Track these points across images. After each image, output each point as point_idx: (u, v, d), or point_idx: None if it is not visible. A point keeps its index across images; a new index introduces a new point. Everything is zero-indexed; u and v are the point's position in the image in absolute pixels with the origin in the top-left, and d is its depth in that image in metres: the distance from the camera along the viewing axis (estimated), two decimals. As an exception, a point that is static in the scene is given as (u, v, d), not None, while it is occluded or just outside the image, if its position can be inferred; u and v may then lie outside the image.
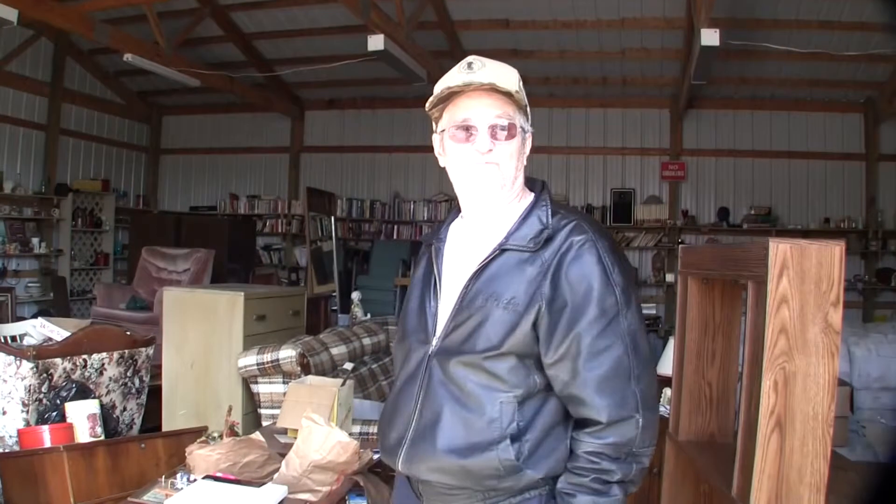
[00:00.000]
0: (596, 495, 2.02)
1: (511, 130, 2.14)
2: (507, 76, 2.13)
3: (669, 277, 12.72)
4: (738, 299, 3.26)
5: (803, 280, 2.28)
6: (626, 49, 11.82)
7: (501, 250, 2.13)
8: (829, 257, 2.28)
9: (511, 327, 2.05)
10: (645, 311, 12.17)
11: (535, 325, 2.05)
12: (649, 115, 13.54)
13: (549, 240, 2.09)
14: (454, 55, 10.96)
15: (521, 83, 2.17)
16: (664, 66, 12.29)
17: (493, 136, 2.13)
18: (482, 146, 2.12)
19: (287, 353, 5.37)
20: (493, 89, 2.10)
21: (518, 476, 2.05)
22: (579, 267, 2.04)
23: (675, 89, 12.74)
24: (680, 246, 3.64)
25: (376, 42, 9.28)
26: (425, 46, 10.68)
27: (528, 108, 2.20)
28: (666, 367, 4.96)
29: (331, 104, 15.17)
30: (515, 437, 2.05)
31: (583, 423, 2.07)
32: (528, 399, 2.08)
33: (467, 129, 2.14)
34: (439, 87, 2.17)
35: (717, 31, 8.11)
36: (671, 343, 4.28)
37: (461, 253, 2.26)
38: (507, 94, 2.11)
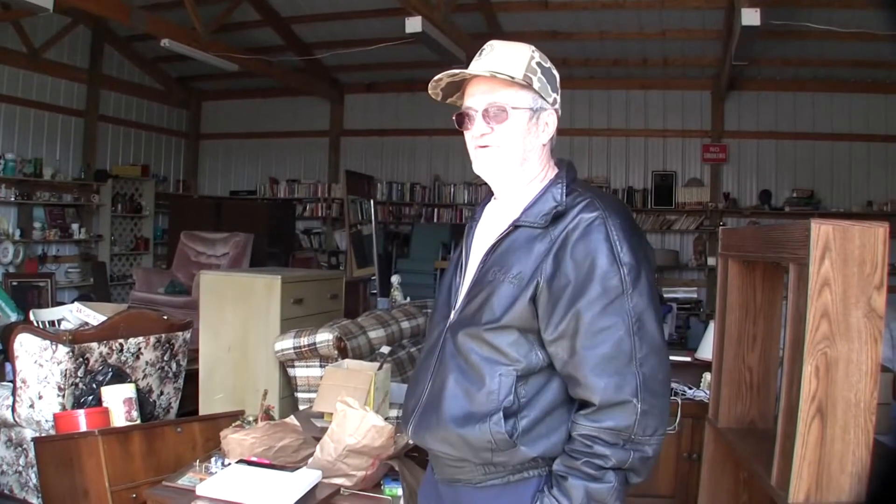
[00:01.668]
0: (589, 480, 1.99)
1: (503, 114, 2.16)
2: (511, 60, 2.18)
3: (711, 261, 12.62)
4: (779, 282, 3.21)
5: (846, 262, 2.23)
6: (666, 29, 11.68)
7: (515, 226, 2.16)
8: (873, 238, 2.23)
9: (512, 300, 2.08)
10: (686, 295, 12.16)
11: (533, 300, 2.06)
12: (690, 96, 13.37)
13: (560, 217, 2.10)
14: (493, 37, 10.88)
15: (536, 60, 2.21)
16: (705, 47, 12.13)
17: (488, 120, 2.17)
18: (476, 131, 2.19)
19: (324, 337, 5.35)
20: (494, 75, 2.16)
21: (512, 452, 2.06)
22: (585, 244, 2.04)
23: (716, 70, 12.58)
24: (720, 228, 3.58)
25: (414, 24, 9.25)
26: (464, 28, 10.63)
27: (545, 84, 2.21)
28: (706, 351, 4.91)
29: (370, 87, 15.14)
30: (512, 412, 2.06)
31: (581, 405, 2.06)
32: (530, 375, 2.09)
33: (468, 115, 2.21)
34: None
35: (758, 10, 8.01)
36: (712, 327, 4.23)
37: (486, 232, 2.29)
38: (508, 77, 2.15)
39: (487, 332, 2.09)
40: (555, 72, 2.25)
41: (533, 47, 2.22)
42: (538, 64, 2.19)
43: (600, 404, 1.98)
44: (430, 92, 2.28)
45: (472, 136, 2.21)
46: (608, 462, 1.98)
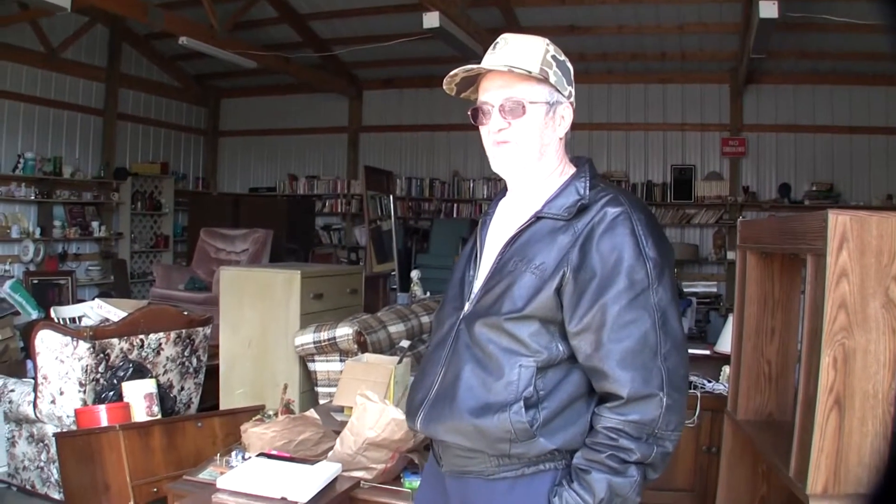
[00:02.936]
0: (612, 474, 1.99)
1: (520, 109, 2.15)
2: (526, 53, 2.17)
3: (731, 255, 12.51)
4: (797, 274, 3.21)
5: (863, 253, 2.23)
6: (684, 23, 11.60)
7: (537, 218, 2.15)
8: (890, 228, 2.22)
9: (535, 291, 2.06)
10: (705, 289, 12.13)
11: (558, 291, 2.05)
12: (709, 89, 13.29)
13: (584, 210, 2.10)
14: (511, 32, 10.86)
15: (551, 54, 2.19)
16: (723, 40, 12.07)
17: (504, 115, 2.16)
18: (493, 126, 2.17)
19: (344, 331, 5.36)
20: (511, 69, 2.13)
21: (530, 443, 2.05)
22: (611, 238, 2.03)
23: (734, 63, 12.50)
24: (739, 219, 3.58)
25: (431, 19, 9.23)
26: (481, 23, 10.60)
27: (561, 78, 2.20)
28: (725, 344, 4.91)
29: (388, 83, 15.12)
30: (532, 403, 2.05)
31: (605, 398, 2.05)
32: (550, 367, 2.08)
33: (483, 111, 2.19)
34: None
35: (776, 2, 7.95)
36: (731, 320, 4.22)
37: (502, 225, 2.28)
38: (525, 71, 2.13)
39: (508, 321, 2.07)
40: (569, 65, 2.24)
41: (547, 40, 2.21)
42: (553, 57, 2.18)
43: (628, 397, 1.97)
44: (444, 87, 2.27)
45: (488, 132, 2.19)
46: (632, 456, 1.98)
